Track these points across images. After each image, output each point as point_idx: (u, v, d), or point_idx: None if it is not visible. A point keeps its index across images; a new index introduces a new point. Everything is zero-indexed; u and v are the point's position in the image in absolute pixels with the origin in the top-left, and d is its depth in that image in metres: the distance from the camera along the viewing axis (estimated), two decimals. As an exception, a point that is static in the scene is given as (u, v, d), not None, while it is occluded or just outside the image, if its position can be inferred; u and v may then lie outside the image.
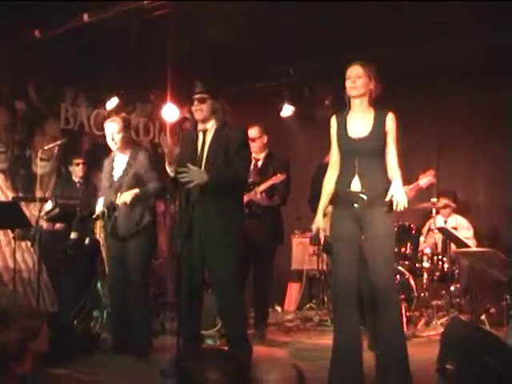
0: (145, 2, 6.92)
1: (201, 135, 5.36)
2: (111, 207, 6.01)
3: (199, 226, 5.22)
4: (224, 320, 5.52)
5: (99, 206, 6.17)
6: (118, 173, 6.15)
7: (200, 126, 5.36)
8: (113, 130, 6.12)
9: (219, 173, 5.21)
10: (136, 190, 5.93)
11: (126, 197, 5.92)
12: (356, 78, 4.63)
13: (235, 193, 5.41)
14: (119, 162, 6.20)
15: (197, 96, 5.31)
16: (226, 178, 5.24)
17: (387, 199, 4.49)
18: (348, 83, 4.66)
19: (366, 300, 6.28)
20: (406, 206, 4.47)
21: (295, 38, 8.06)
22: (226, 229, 5.20)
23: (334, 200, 4.76)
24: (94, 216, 6.20)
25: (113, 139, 6.12)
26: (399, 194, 4.47)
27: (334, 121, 4.80)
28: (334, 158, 4.82)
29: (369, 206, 4.53)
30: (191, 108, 5.35)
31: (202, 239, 5.21)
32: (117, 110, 9.28)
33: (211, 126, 5.35)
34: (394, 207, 4.49)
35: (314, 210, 7.23)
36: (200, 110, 5.30)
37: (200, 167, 5.22)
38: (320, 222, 4.79)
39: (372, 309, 6.17)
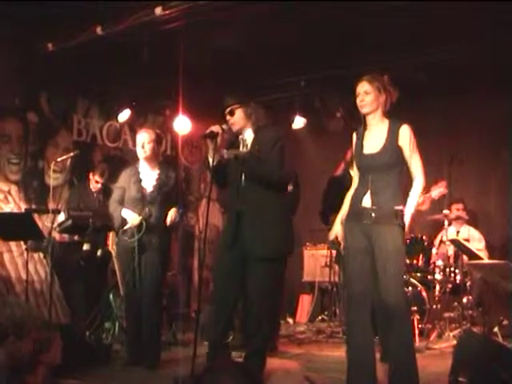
0: (157, 12, 6.94)
1: (241, 145, 5.31)
2: (148, 218, 6.04)
3: (243, 237, 5.14)
4: (250, 332, 5.43)
5: (132, 217, 6.10)
6: (148, 186, 6.16)
7: (240, 137, 5.33)
8: (144, 140, 6.16)
9: (257, 164, 5.13)
10: (175, 210, 6.04)
11: (173, 215, 6.05)
12: (364, 96, 4.62)
13: (279, 202, 5.30)
14: (148, 175, 6.21)
15: (226, 111, 5.29)
16: (261, 170, 5.13)
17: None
18: (357, 101, 4.67)
19: (378, 312, 6.28)
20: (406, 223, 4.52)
21: (306, 50, 8.08)
22: (269, 242, 5.11)
23: (347, 214, 4.76)
24: (130, 226, 6.16)
25: (143, 147, 6.15)
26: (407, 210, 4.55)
27: (354, 137, 4.82)
28: (355, 172, 4.84)
29: (378, 223, 4.52)
30: (227, 123, 5.29)
31: (244, 250, 5.15)
32: (129, 122, 9.36)
33: (248, 135, 5.27)
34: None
35: (326, 222, 7.29)
36: (233, 123, 5.23)
37: (241, 176, 5.19)
38: (338, 230, 4.80)
39: (383, 321, 6.19)
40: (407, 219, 4.53)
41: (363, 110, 4.67)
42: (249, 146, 5.25)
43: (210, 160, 5.15)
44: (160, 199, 6.10)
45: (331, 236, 4.93)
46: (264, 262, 5.08)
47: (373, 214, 4.54)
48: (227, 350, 5.34)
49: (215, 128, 5.14)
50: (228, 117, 5.26)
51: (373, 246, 4.57)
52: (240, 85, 6.27)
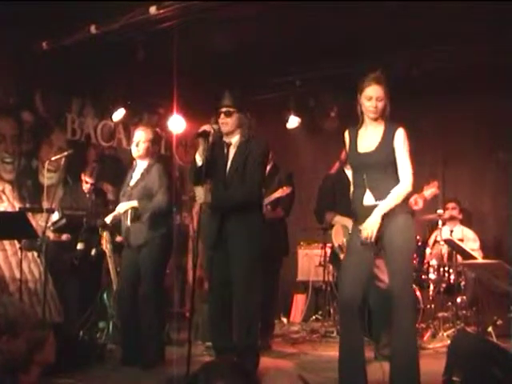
0: (152, 11, 6.93)
1: (225, 147, 5.36)
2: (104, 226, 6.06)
3: (226, 238, 5.24)
4: (239, 330, 5.46)
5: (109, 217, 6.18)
6: (132, 182, 6.17)
7: (225, 138, 5.36)
8: (139, 138, 6.13)
9: (227, 195, 5.26)
10: (133, 203, 5.95)
11: (120, 208, 5.97)
12: (378, 102, 4.55)
13: (254, 207, 5.40)
14: (137, 172, 6.20)
15: (223, 109, 5.29)
16: (234, 199, 5.25)
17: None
18: (368, 105, 4.57)
19: (374, 310, 6.29)
20: (370, 234, 4.50)
21: (301, 49, 8.08)
22: (249, 241, 5.21)
23: (353, 215, 4.77)
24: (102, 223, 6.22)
25: (137, 145, 6.13)
26: (369, 221, 4.52)
27: (346, 135, 4.80)
28: (350, 174, 4.85)
29: (387, 215, 4.52)
30: (217, 120, 5.32)
31: (228, 251, 5.22)
32: (123, 121, 9.34)
33: (236, 140, 5.32)
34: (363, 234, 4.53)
35: (321, 221, 7.30)
36: (225, 124, 5.27)
37: (224, 179, 5.26)
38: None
39: (380, 319, 6.19)
40: (378, 214, 4.50)
41: (372, 116, 4.60)
42: (231, 152, 5.32)
43: (199, 159, 5.20)
44: (137, 193, 6.04)
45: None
46: (247, 261, 5.18)
47: None
48: (232, 351, 5.35)
49: (207, 127, 5.18)
50: (222, 116, 5.28)
51: (383, 241, 4.55)
52: (239, 88, 6.27)
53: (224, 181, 5.26)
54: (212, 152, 5.26)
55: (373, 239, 4.48)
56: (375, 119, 4.63)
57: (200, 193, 5.18)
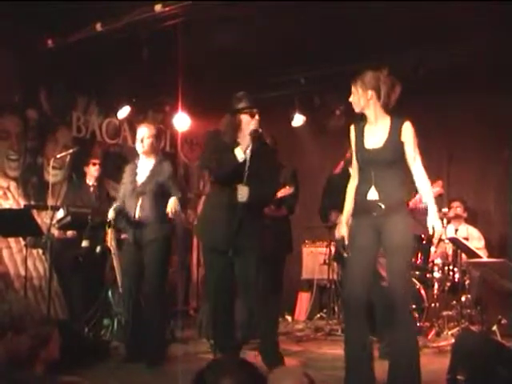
0: (157, 9, 6.93)
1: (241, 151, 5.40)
2: (129, 217, 6.05)
3: (243, 240, 5.29)
4: (263, 327, 5.53)
5: (110, 212, 6.15)
6: (141, 178, 6.15)
7: (239, 140, 5.40)
8: (144, 134, 6.17)
9: (257, 194, 5.32)
10: (175, 198, 5.94)
11: (175, 205, 5.90)
12: (352, 96, 4.75)
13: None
14: (143, 168, 6.21)
15: (248, 110, 5.38)
16: (260, 198, 5.39)
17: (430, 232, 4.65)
18: None
19: (378, 309, 6.28)
20: (442, 235, 4.64)
21: (306, 47, 8.07)
22: (259, 243, 5.38)
23: (353, 209, 4.78)
24: (108, 220, 6.19)
25: (142, 141, 6.16)
26: (435, 223, 4.62)
27: (352, 130, 4.83)
28: (354, 167, 4.85)
29: (386, 215, 4.54)
30: (235, 121, 5.36)
31: (243, 253, 5.29)
32: (128, 119, 9.35)
33: (248, 142, 5.38)
34: (431, 233, 4.65)
35: (325, 220, 7.29)
36: (255, 124, 5.39)
37: (241, 179, 5.30)
38: (344, 231, 4.80)
39: (383, 318, 6.18)
40: (436, 215, 4.63)
41: (355, 109, 4.77)
42: (248, 154, 5.34)
43: (241, 157, 5.22)
44: (152, 189, 6.04)
45: (338, 236, 4.95)
46: (257, 261, 5.28)
47: (382, 206, 4.55)
48: (237, 349, 5.40)
49: (257, 127, 5.34)
50: (248, 117, 5.34)
51: (382, 238, 4.58)
52: (246, 80, 6.31)
53: (242, 181, 5.27)
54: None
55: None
56: (359, 112, 4.74)
57: (244, 191, 5.20)
